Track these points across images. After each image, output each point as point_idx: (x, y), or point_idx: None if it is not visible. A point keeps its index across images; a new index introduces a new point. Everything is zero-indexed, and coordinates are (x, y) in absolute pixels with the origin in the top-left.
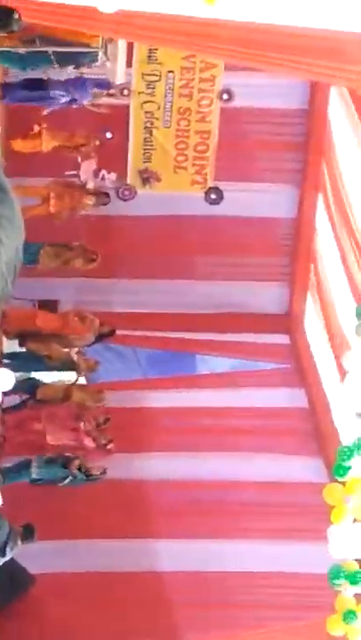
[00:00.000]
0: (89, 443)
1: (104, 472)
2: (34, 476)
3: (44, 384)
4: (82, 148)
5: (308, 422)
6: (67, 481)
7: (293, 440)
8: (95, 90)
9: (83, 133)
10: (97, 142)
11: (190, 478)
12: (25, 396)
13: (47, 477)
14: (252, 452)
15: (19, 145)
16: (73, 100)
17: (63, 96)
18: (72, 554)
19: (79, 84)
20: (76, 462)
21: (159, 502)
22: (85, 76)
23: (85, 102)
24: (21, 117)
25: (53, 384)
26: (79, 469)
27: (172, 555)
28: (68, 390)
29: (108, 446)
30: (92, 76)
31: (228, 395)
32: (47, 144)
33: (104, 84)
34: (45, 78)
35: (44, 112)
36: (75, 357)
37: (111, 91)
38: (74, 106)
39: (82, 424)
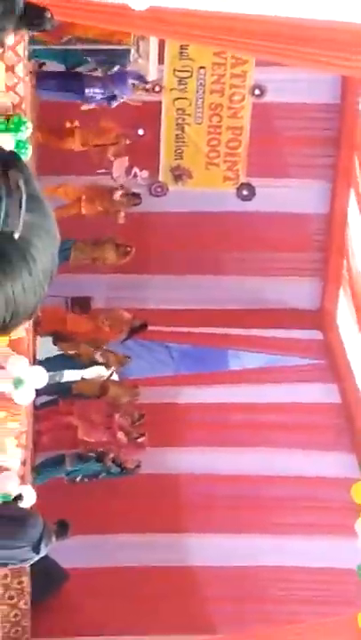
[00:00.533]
0: (122, 437)
1: (139, 465)
2: (69, 468)
3: (80, 380)
4: (114, 146)
5: (341, 418)
6: (102, 475)
7: (326, 436)
8: (135, 82)
9: (115, 131)
10: (127, 141)
11: (222, 473)
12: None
13: (83, 472)
14: (285, 448)
15: (51, 142)
16: (112, 97)
17: (100, 94)
18: (105, 549)
19: (118, 78)
20: (110, 456)
21: (192, 497)
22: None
23: (125, 97)
24: (54, 114)
25: (90, 379)
26: (113, 462)
27: (205, 549)
28: (104, 385)
29: (140, 440)
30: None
31: (261, 390)
32: (79, 142)
33: (142, 77)
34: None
35: (83, 107)
36: (99, 359)
37: (147, 85)
38: (112, 103)
39: (115, 417)
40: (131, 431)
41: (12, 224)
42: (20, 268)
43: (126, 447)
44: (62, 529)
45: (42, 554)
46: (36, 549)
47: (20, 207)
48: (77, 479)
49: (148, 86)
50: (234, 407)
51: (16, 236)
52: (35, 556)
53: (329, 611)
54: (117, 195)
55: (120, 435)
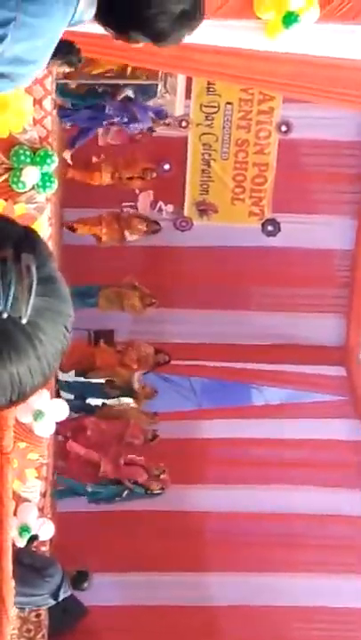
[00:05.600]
0: (142, 475)
1: (163, 488)
2: (90, 489)
3: (102, 406)
4: (139, 180)
5: None
6: (125, 494)
7: (349, 473)
8: (153, 116)
9: (142, 163)
10: (154, 174)
11: (244, 510)
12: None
13: (104, 494)
14: (308, 485)
15: (78, 176)
16: (133, 121)
17: (121, 116)
18: (124, 587)
19: (139, 107)
20: (131, 481)
21: (213, 534)
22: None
23: (145, 126)
24: (81, 150)
25: (112, 405)
26: (135, 483)
27: (226, 588)
28: (124, 411)
29: (162, 476)
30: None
31: (283, 426)
32: (106, 177)
33: (162, 113)
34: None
35: (100, 142)
36: (136, 385)
37: (167, 120)
38: (132, 129)
39: (135, 458)
40: (151, 468)
41: (20, 310)
42: (27, 352)
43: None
44: (81, 578)
45: (60, 599)
46: (55, 597)
47: (30, 293)
48: (98, 500)
49: (169, 121)
50: (256, 442)
51: (23, 321)
52: (52, 602)
53: None
54: (133, 216)
55: (140, 473)
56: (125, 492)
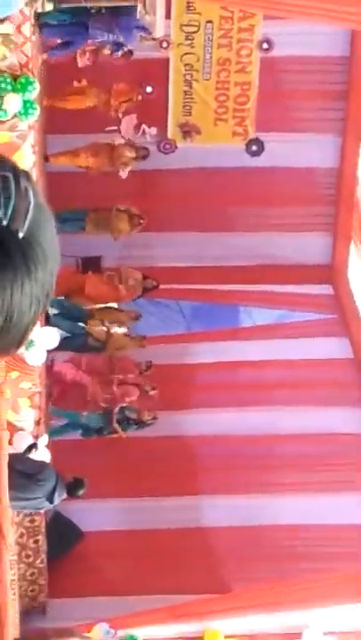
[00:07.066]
0: (134, 392)
1: (155, 417)
2: (83, 420)
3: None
4: (124, 103)
5: (352, 372)
6: (106, 432)
7: (338, 390)
8: (141, 33)
9: (124, 88)
10: (139, 97)
11: (235, 433)
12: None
13: (94, 425)
14: (298, 405)
15: (62, 103)
16: (118, 45)
17: (105, 34)
18: (119, 512)
19: (124, 25)
20: (117, 408)
21: (204, 458)
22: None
23: (130, 46)
24: (60, 73)
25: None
26: (124, 415)
27: (218, 510)
28: (110, 333)
29: (151, 392)
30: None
31: (273, 346)
32: (90, 100)
33: (147, 29)
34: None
35: (80, 63)
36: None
37: (154, 36)
38: (118, 51)
39: (127, 376)
40: (143, 383)
41: (18, 223)
42: (20, 270)
43: (137, 403)
44: (77, 485)
45: (56, 503)
46: (50, 499)
47: (28, 210)
48: (92, 434)
49: (153, 37)
50: (246, 365)
51: (20, 235)
52: (49, 504)
53: (338, 566)
54: (121, 145)
55: (131, 390)
56: (107, 432)
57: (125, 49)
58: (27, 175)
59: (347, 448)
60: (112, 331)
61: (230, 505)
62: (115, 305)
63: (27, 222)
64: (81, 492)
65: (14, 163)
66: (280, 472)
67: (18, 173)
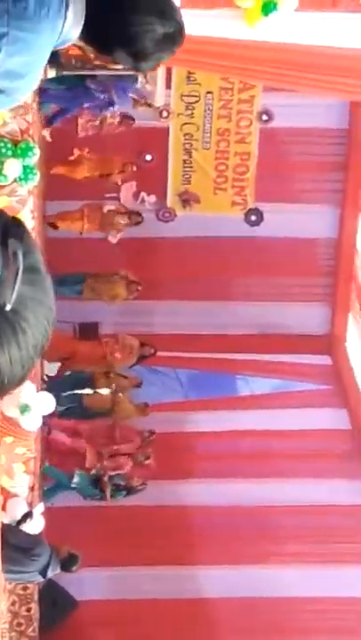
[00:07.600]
0: (127, 463)
1: (144, 484)
2: (75, 481)
3: (92, 394)
4: (121, 174)
5: (350, 444)
6: (97, 499)
7: (336, 462)
8: (134, 96)
9: (119, 162)
10: (134, 168)
11: (232, 504)
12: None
13: (85, 491)
14: (295, 476)
15: (59, 170)
16: (110, 104)
17: (100, 93)
18: (115, 581)
19: (121, 86)
20: (107, 477)
21: (202, 529)
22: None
23: (123, 108)
24: (61, 140)
25: (101, 394)
26: (114, 485)
27: (216, 581)
28: (115, 398)
29: (146, 462)
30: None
31: (270, 416)
32: (88, 171)
33: (142, 94)
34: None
35: (80, 134)
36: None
37: (148, 101)
38: (109, 110)
39: (121, 447)
40: (137, 454)
41: (5, 295)
42: (9, 340)
43: (133, 471)
44: (71, 561)
45: (49, 576)
46: (43, 574)
47: (16, 279)
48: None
49: (148, 102)
50: (243, 434)
51: (7, 307)
52: (41, 578)
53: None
54: (114, 211)
55: (124, 460)
56: (98, 497)
57: (119, 110)
58: (17, 231)
59: (346, 519)
60: (118, 395)
61: (228, 576)
62: (117, 370)
63: (15, 293)
64: (74, 568)
65: (7, 218)
66: (278, 544)
67: (7, 233)
